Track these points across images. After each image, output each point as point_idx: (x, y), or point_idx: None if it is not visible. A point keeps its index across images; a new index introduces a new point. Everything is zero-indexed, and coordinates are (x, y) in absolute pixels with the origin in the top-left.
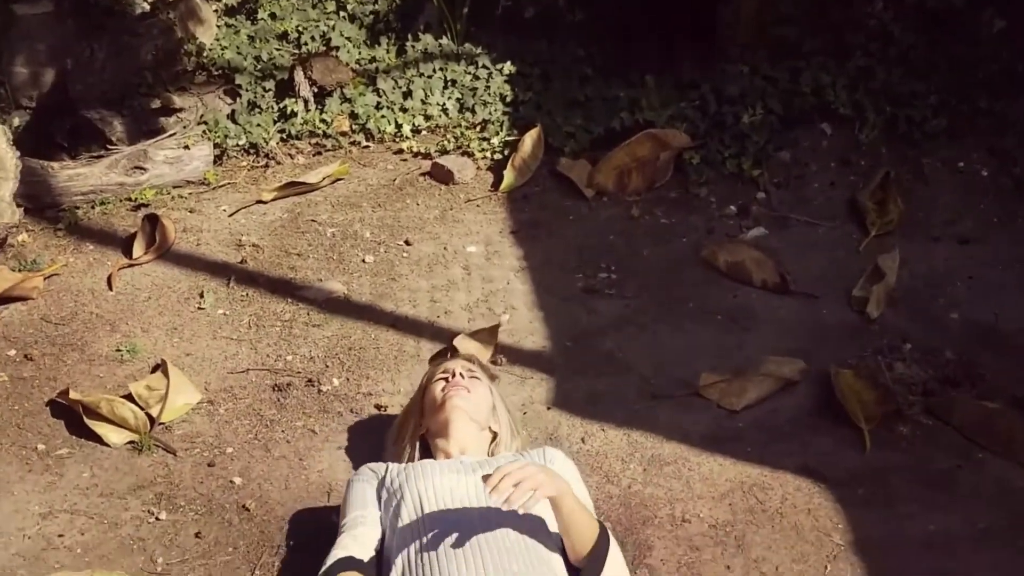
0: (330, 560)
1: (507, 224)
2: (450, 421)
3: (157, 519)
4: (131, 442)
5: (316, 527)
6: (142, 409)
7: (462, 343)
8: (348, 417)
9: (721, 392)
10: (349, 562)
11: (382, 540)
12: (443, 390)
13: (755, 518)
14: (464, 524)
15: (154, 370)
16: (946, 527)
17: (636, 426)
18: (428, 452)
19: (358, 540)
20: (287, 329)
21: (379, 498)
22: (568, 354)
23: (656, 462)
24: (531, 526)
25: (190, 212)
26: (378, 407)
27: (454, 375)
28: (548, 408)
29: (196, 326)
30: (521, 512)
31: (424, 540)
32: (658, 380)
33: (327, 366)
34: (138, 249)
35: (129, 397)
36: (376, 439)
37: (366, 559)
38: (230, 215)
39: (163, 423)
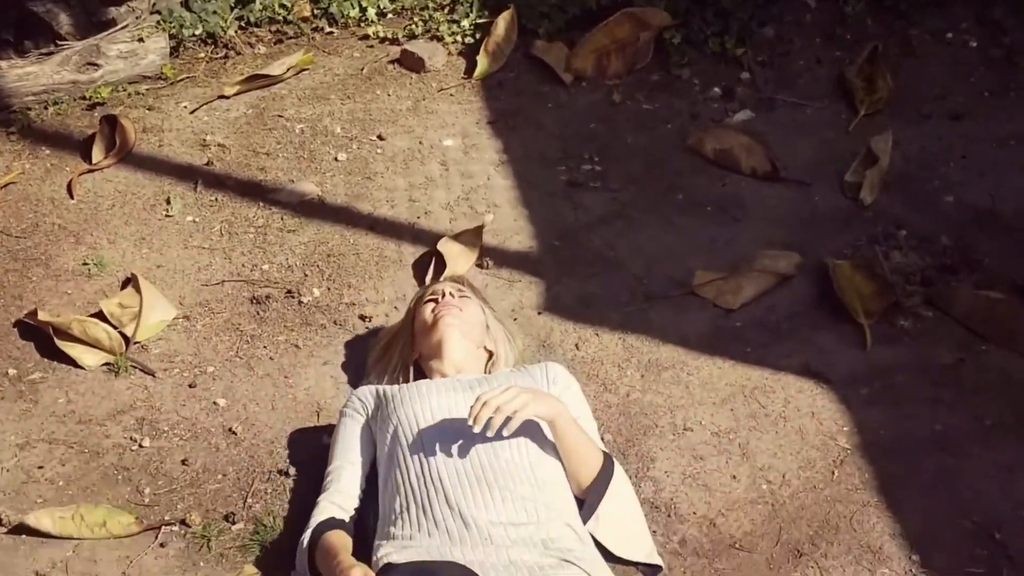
0: (309, 528)
1: (483, 114)
2: (443, 340)
3: (140, 446)
4: (106, 364)
5: (308, 450)
6: (115, 328)
7: (446, 246)
8: (332, 329)
9: (717, 290)
10: (330, 523)
11: (372, 476)
12: (433, 311)
13: (758, 423)
14: (465, 446)
15: (124, 285)
16: (953, 425)
17: (631, 329)
18: (422, 376)
19: (335, 503)
20: (261, 236)
21: (371, 428)
22: (556, 253)
23: (654, 367)
24: (535, 447)
25: (149, 110)
26: (362, 317)
27: (443, 295)
28: (539, 313)
29: (165, 235)
30: (506, 434)
31: (424, 465)
32: (651, 279)
33: (306, 275)
34: (98, 153)
35: (101, 316)
36: (363, 352)
37: (347, 518)
38: (191, 112)
39: (138, 342)
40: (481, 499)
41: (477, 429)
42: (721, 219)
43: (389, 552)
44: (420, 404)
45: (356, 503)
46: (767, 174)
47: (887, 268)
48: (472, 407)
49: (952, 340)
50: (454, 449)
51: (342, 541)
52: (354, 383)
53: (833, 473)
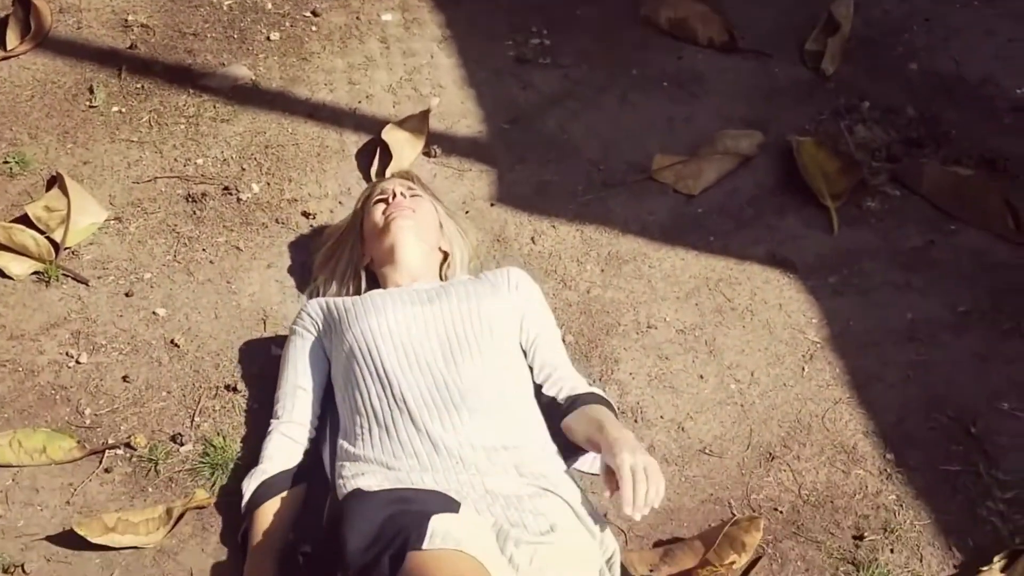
0: (252, 485)
1: None
2: (397, 245)
3: (78, 362)
4: (36, 272)
5: (256, 362)
6: (43, 234)
7: (390, 135)
8: (274, 228)
9: (676, 175)
10: (272, 486)
11: (323, 406)
12: (384, 213)
13: (724, 318)
14: (427, 364)
15: (50, 186)
16: (925, 314)
17: (589, 220)
18: (375, 284)
19: (287, 434)
20: (193, 126)
21: (323, 346)
22: (507, 138)
23: (614, 260)
24: (498, 361)
25: None
26: (305, 214)
27: (394, 195)
28: (492, 205)
29: (90, 128)
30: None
31: (386, 385)
32: (608, 164)
33: (243, 169)
34: (12, 39)
35: (26, 220)
36: (307, 251)
37: (293, 464)
38: None
39: (68, 248)
40: (449, 420)
41: (638, 517)
42: (678, 96)
43: (356, 475)
44: (376, 319)
45: (309, 430)
46: (725, 45)
47: (852, 144)
48: (622, 488)
49: (921, 220)
50: (416, 367)
51: (276, 522)
52: (301, 287)
53: (803, 369)
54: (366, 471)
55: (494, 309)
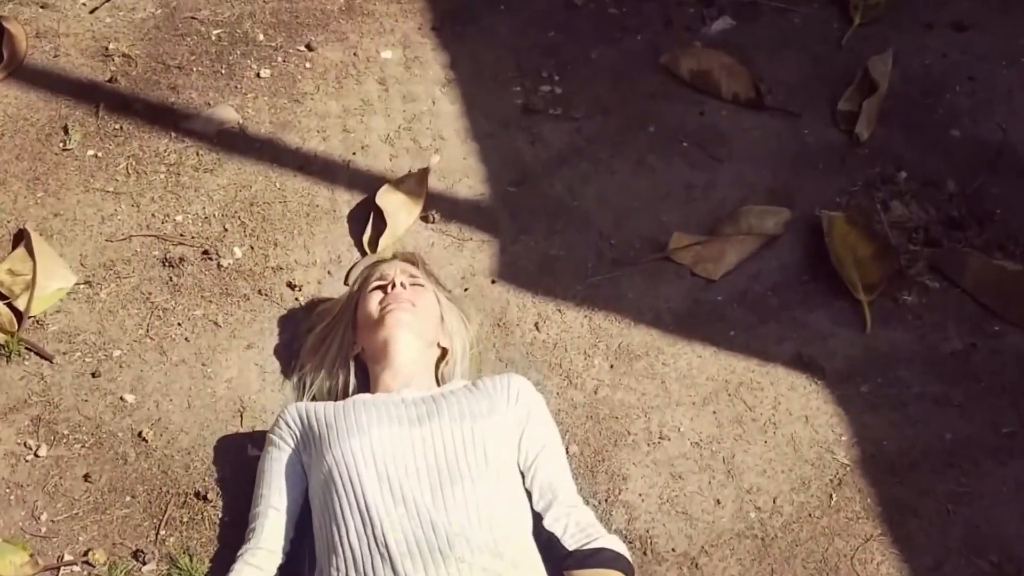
0: None
1: (426, 17)
2: (391, 342)
3: (36, 455)
4: None
5: (229, 464)
6: (5, 299)
7: (386, 198)
8: (256, 301)
9: (695, 256)
10: None
11: (299, 523)
12: (381, 303)
13: (744, 431)
14: (412, 503)
15: (16, 242)
16: (965, 433)
17: (598, 305)
18: (363, 374)
19: (254, 564)
20: (174, 176)
21: (300, 461)
22: (511, 203)
23: (625, 355)
24: (486, 494)
25: (42, 8)
26: (291, 286)
27: (393, 285)
28: (493, 282)
29: (63, 174)
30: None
31: (367, 525)
32: (620, 238)
33: (226, 229)
34: None
35: None
36: (291, 330)
37: None
38: (91, 12)
39: (33, 317)
40: (435, 572)
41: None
42: (699, 159)
43: None
44: (359, 441)
45: (280, 558)
46: (750, 101)
47: (886, 223)
48: None
49: (962, 318)
50: (400, 504)
51: None
52: (284, 371)
53: (831, 497)
54: None
55: (489, 431)
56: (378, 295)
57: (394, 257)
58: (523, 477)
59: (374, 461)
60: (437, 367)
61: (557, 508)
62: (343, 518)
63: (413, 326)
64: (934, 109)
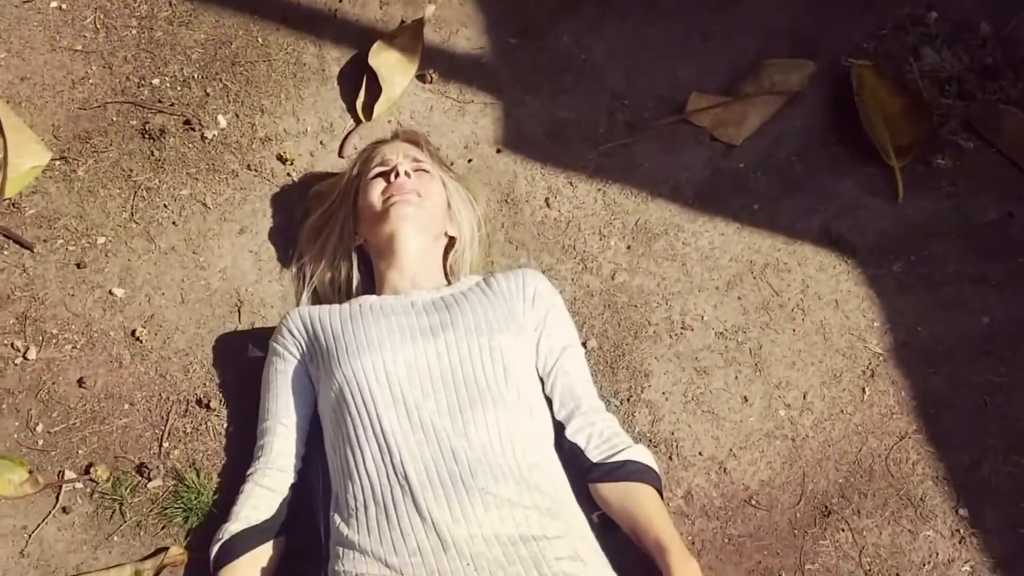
0: (215, 547)
1: None
2: (396, 237)
3: (25, 358)
4: None
5: (230, 368)
6: None
7: (378, 57)
8: (245, 177)
9: (715, 119)
10: (236, 547)
11: (306, 443)
12: (384, 194)
13: (771, 318)
14: (431, 427)
15: None
16: (1004, 316)
17: (612, 176)
18: (366, 266)
19: (264, 485)
20: (146, 31)
21: (307, 372)
22: (515, 57)
23: (643, 234)
24: (517, 421)
25: None
26: (281, 159)
27: (397, 174)
28: (498, 151)
29: (27, 30)
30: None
31: (383, 452)
32: (633, 97)
33: (207, 93)
34: None
35: None
36: (285, 212)
37: (264, 517)
38: None
39: (8, 199)
40: (459, 507)
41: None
42: (714, 1)
43: (351, 571)
44: (371, 359)
45: (292, 477)
46: None
47: (917, 72)
48: None
49: (998, 183)
50: (419, 430)
51: None
52: (281, 260)
53: (863, 391)
54: (363, 568)
55: (507, 342)
56: (380, 184)
57: (395, 137)
58: (542, 383)
59: (387, 383)
60: (445, 258)
61: (580, 418)
62: (359, 444)
63: (419, 219)
64: None
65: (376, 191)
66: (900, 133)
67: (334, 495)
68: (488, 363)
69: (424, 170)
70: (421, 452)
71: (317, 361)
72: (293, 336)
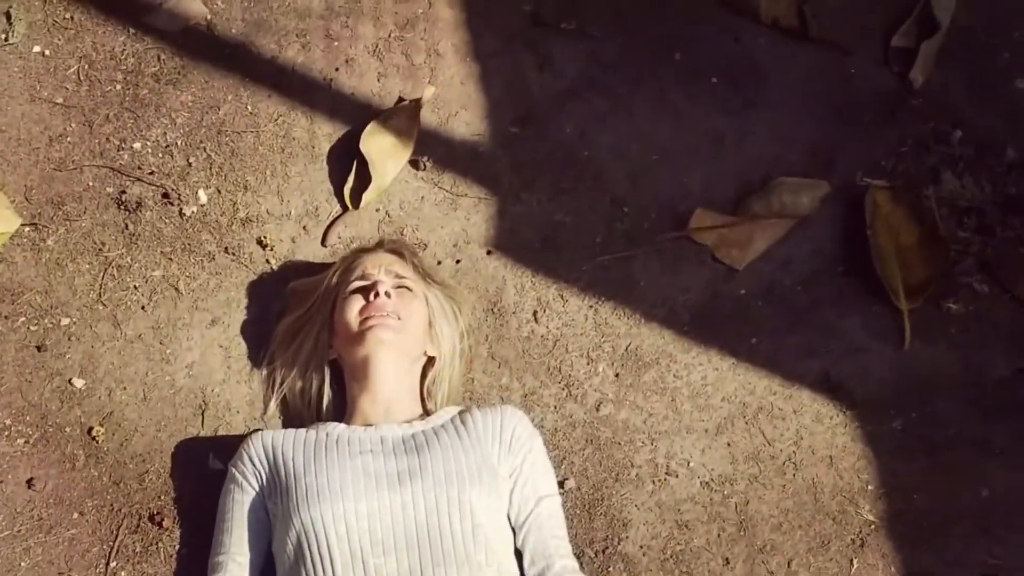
0: None
1: None
2: (371, 362)
3: None
4: None
5: (188, 481)
6: None
7: (371, 142)
8: (222, 261)
9: (719, 239)
10: None
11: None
12: (362, 314)
13: (762, 471)
14: None
15: None
16: (1004, 490)
17: (606, 293)
18: (339, 383)
19: None
20: (131, 88)
21: (265, 507)
22: (514, 149)
23: (633, 362)
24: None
25: None
26: (262, 243)
27: (376, 294)
28: (489, 252)
29: (5, 76)
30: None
31: None
32: (634, 204)
33: (190, 163)
34: None
35: None
36: (260, 303)
37: None
38: None
39: None
40: None
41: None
42: (730, 100)
43: None
44: (331, 509)
45: None
46: (793, 29)
47: (934, 198)
48: None
49: (1011, 334)
50: None
51: None
52: (253, 359)
53: (851, 563)
54: None
55: (478, 498)
56: (358, 302)
57: (379, 246)
58: (514, 533)
59: (347, 538)
60: (423, 377)
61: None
62: None
63: (397, 345)
64: (998, 51)
65: (353, 309)
66: (912, 269)
67: None
68: (456, 520)
69: (407, 287)
70: None
71: (275, 498)
72: (253, 465)
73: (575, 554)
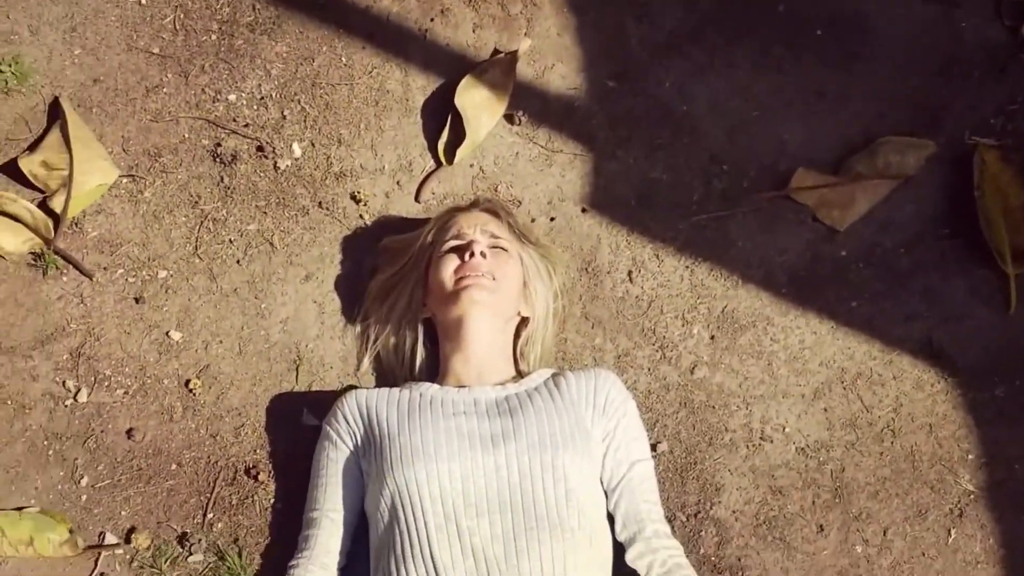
0: None
1: None
2: (465, 323)
3: (75, 400)
4: (33, 253)
5: (283, 437)
6: (42, 194)
7: (466, 96)
8: (315, 215)
9: (820, 199)
10: None
11: (353, 538)
12: (456, 273)
13: (859, 438)
14: (486, 566)
15: (50, 118)
16: None
17: (702, 253)
18: (432, 341)
19: None
20: (227, 38)
21: (359, 466)
22: (610, 104)
23: (729, 324)
24: (573, 551)
25: None
26: (355, 198)
27: (472, 254)
28: (583, 210)
29: (103, 25)
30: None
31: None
32: (733, 162)
33: (284, 116)
34: None
35: (17, 173)
36: (354, 259)
37: None
38: None
39: (72, 218)
40: None
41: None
42: (833, 54)
43: None
44: (425, 470)
45: (334, 574)
46: None
47: None
48: None
49: None
50: (469, 559)
51: None
52: (346, 314)
53: (949, 533)
54: None
55: (572, 461)
56: (453, 261)
57: (474, 205)
58: (606, 496)
59: (440, 499)
60: (516, 338)
61: (642, 543)
62: (405, 564)
63: (491, 305)
64: None
65: (448, 268)
66: (1020, 232)
67: None
68: (549, 484)
69: (502, 247)
70: None
71: (370, 457)
72: (348, 424)
73: (667, 518)
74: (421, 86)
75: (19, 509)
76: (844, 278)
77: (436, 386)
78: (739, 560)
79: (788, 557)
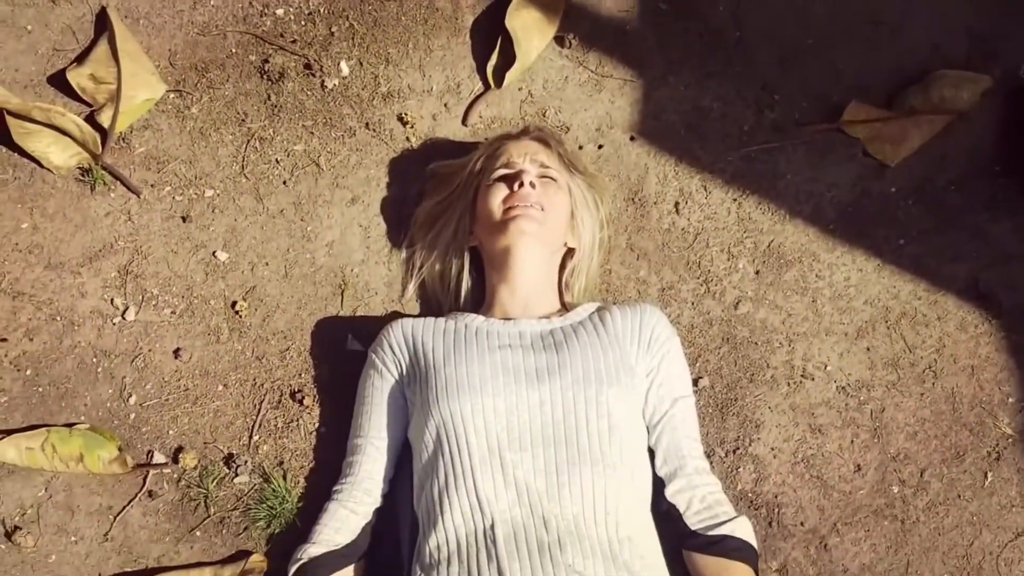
0: (291, 569)
1: None
2: (513, 253)
3: (123, 318)
4: (80, 168)
5: (326, 359)
6: (89, 107)
7: (516, 17)
8: (362, 136)
9: (872, 133)
10: (324, 567)
11: (396, 465)
12: (505, 203)
13: (900, 378)
14: (526, 492)
15: (97, 29)
16: None
17: (750, 185)
18: (478, 271)
19: (335, 523)
20: None
21: (404, 394)
22: (663, 28)
23: (774, 259)
24: (615, 487)
25: None
26: (402, 120)
27: (521, 184)
28: (632, 138)
29: None
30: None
31: (474, 511)
32: (785, 91)
33: (332, 32)
34: None
35: (65, 85)
36: (401, 183)
37: (345, 541)
38: None
39: (119, 133)
40: None
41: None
42: None
43: None
44: (470, 403)
45: (377, 500)
46: None
47: None
48: None
49: None
50: (512, 490)
51: None
52: (392, 239)
53: (986, 476)
54: None
55: (615, 397)
56: (502, 190)
57: (524, 133)
58: (648, 431)
59: (485, 432)
60: (562, 268)
61: (682, 479)
62: (448, 496)
63: (539, 236)
64: None
65: (497, 198)
66: None
67: (421, 531)
68: (593, 419)
69: (551, 177)
70: (512, 514)
71: (415, 387)
72: (393, 353)
73: (705, 453)
74: (471, 4)
75: (69, 425)
76: (893, 215)
77: (481, 317)
78: (776, 497)
79: (825, 495)
